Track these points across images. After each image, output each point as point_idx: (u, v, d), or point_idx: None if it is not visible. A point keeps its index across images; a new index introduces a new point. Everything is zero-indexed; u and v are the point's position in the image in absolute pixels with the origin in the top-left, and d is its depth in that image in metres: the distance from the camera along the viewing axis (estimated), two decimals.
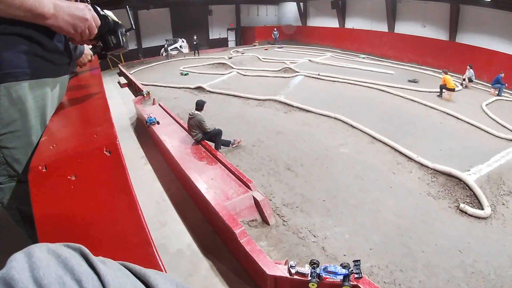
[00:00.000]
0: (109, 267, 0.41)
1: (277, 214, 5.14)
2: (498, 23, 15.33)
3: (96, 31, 1.09)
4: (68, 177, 0.88)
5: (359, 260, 3.54)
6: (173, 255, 4.27)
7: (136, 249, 0.73)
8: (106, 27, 1.20)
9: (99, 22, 1.10)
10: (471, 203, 5.74)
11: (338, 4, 23.26)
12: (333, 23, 24.76)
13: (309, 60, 16.52)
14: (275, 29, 25.65)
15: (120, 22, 1.29)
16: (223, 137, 6.89)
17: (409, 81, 13.61)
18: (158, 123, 7.44)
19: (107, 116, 1.25)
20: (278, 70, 14.66)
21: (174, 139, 6.79)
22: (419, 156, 6.91)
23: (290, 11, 28.68)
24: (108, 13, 1.23)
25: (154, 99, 10.33)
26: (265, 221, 4.89)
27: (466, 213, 5.53)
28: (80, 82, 1.97)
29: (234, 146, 7.15)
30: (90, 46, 1.49)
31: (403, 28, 20.37)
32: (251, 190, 5.08)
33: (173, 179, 6.04)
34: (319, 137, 7.89)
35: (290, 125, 8.62)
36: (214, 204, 4.41)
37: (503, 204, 5.90)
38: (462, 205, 5.64)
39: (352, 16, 23.53)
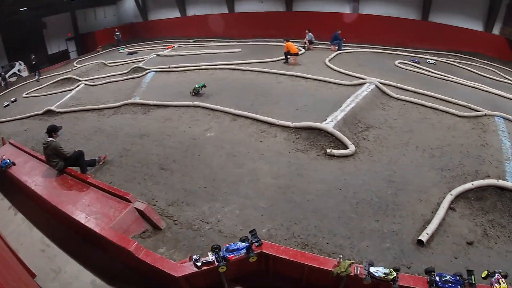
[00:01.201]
0: None
1: (166, 216, 5.20)
2: None
3: None
4: None
5: (254, 229, 3.91)
6: None
7: None
8: None
9: None
10: (336, 147, 6.68)
11: None
12: (175, 13, 25.08)
13: (157, 55, 16.34)
14: (117, 29, 24.78)
15: None
16: (86, 158, 6.64)
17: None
18: (14, 164, 6.82)
19: None
20: (127, 72, 14.26)
21: (36, 176, 6.38)
22: (279, 120, 7.66)
23: (129, 8, 27.90)
24: None
25: (2, 138, 9.22)
26: (156, 227, 4.97)
27: (334, 156, 6.41)
28: None
29: (100, 163, 6.96)
30: None
31: (243, 7, 22.15)
32: (131, 202, 5.10)
33: (49, 219, 5.71)
34: (183, 129, 7.99)
35: (152, 125, 8.48)
36: (99, 231, 4.35)
37: (364, 138, 7.06)
38: (328, 150, 6.50)
39: (192, 3, 24.22)
